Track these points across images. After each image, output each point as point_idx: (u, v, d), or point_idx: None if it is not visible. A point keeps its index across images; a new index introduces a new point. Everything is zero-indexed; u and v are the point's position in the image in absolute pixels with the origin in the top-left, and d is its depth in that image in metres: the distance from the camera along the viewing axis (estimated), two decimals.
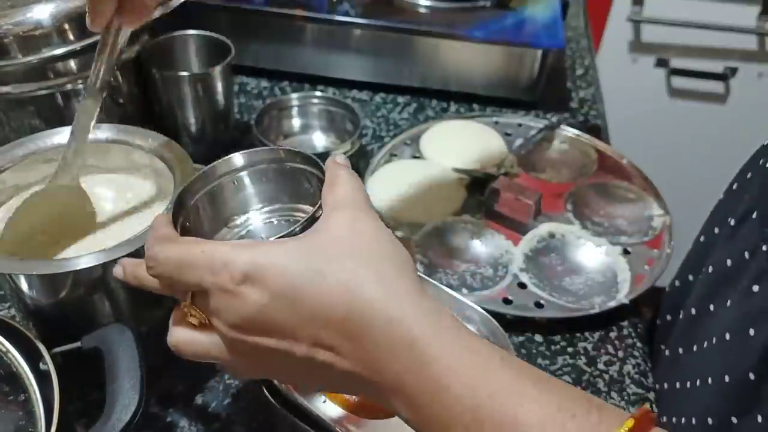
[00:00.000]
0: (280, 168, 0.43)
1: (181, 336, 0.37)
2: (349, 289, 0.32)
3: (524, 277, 0.66)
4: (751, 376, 0.46)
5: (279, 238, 0.36)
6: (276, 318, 0.33)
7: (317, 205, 0.37)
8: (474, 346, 0.32)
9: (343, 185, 0.37)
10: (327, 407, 0.48)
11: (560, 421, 0.29)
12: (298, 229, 0.36)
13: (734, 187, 0.59)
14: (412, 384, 0.31)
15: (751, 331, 0.47)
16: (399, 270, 0.34)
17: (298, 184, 0.43)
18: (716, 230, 0.59)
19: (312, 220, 0.36)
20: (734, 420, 0.48)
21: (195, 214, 0.43)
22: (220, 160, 0.43)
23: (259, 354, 0.35)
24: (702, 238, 0.62)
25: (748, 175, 0.57)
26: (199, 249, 0.35)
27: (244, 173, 0.44)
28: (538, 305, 0.64)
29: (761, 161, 0.55)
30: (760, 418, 0.45)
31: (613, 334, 0.64)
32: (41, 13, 0.61)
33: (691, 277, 0.63)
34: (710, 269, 0.57)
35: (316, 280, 0.32)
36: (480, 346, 0.32)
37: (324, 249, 0.33)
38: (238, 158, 0.44)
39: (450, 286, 0.62)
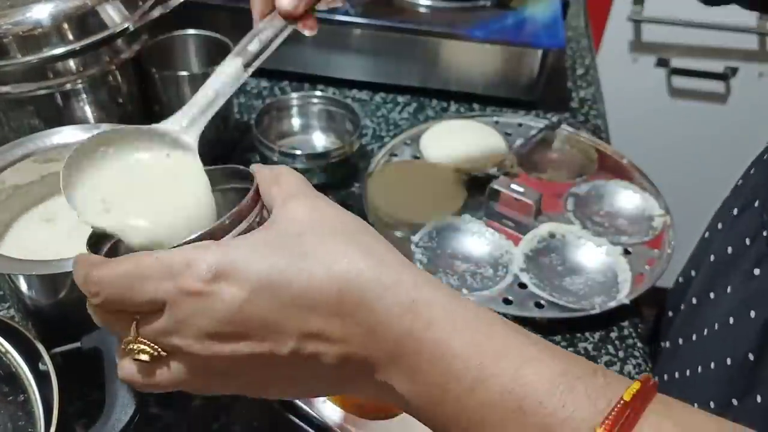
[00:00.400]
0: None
1: (132, 370, 0.33)
2: (336, 266, 0.30)
3: (524, 277, 0.66)
4: (751, 357, 0.46)
5: (203, 234, 0.32)
6: (257, 314, 0.30)
7: (248, 197, 0.34)
8: (473, 308, 0.31)
9: (287, 178, 0.35)
10: (327, 408, 0.48)
11: (567, 382, 0.28)
12: (227, 221, 0.33)
13: (739, 183, 0.59)
14: (412, 348, 0.30)
15: (752, 313, 0.47)
16: (381, 242, 0.32)
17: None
18: (719, 225, 0.59)
19: (240, 213, 0.34)
20: (734, 402, 0.48)
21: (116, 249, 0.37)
22: None
23: (237, 365, 0.32)
24: (706, 234, 0.63)
25: (752, 171, 0.57)
26: (150, 257, 0.31)
27: None
28: (539, 305, 0.64)
29: (765, 156, 0.55)
30: (759, 399, 0.45)
31: (613, 335, 0.64)
32: (41, 13, 0.61)
33: (693, 273, 0.63)
34: (711, 258, 0.57)
35: (296, 264, 0.30)
36: (479, 309, 0.31)
37: (295, 233, 0.32)
38: None
39: (450, 286, 0.62)
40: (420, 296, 0.30)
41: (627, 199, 0.76)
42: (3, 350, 0.46)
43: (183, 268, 0.30)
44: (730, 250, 0.53)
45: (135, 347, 0.32)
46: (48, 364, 0.46)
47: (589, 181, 0.78)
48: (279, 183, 0.35)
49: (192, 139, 0.42)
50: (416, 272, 0.32)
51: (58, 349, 0.49)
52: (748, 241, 0.51)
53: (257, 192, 0.36)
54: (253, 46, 0.45)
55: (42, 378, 0.45)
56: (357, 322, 0.30)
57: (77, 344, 0.48)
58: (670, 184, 0.83)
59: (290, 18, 0.47)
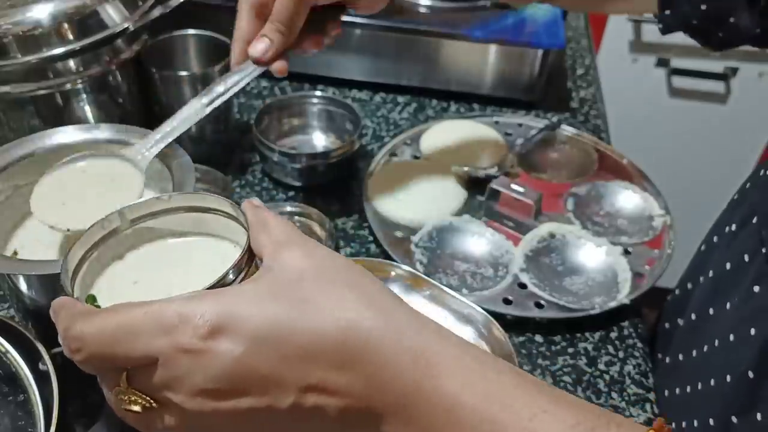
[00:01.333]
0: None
1: (126, 418, 0.32)
2: (339, 314, 0.29)
3: (524, 278, 0.66)
4: (751, 374, 0.46)
5: (210, 288, 0.31)
6: (256, 369, 0.29)
7: (245, 249, 0.34)
8: (481, 356, 0.31)
9: (275, 225, 0.34)
10: None
11: None
12: (231, 275, 0.32)
13: (735, 197, 0.59)
14: (422, 399, 0.29)
15: (752, 331, 0.47)
16: (380, 288, 0.32)
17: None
18: (715, 239, 0.59)
19: (239, 265, 0.33)
20: (734, 420, 0.48)
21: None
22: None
23: (234, 421, 0.30)
24: (702, 248, 0.62)
25: (747, 185, 0.57)
26: (139, 311, 0.29)
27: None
28: (539, 305, 0.64)
29: (762, 172, 0.54)
30: (759, 416, 0.45)
31: (613, 335, 0.64)
32: (41, 13, 0.61)
33: (690, 286, 0.63)
34: (710, 274, 0.56)
35: (297, 313, 0.29)
36: (486, 356, 0.31)
37: (293, 280, 0.30)
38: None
39: (450, 286, 0.62)
40: (428, 345, 0.30)
41: (627, 199, 0.76)
42: (3, 350, 0.46)
43: (175, 324, 0.29)
44: (728, 266, 0.53)
45: (126, 398, 0.30)
46: (48, 364, 0.46)
47: (589, 181, 0.78)
48: (267, 230, 0.34)
49: (146, 161, 0.51)
50: (421, 319, 0.31)
51: (58, 349, 0.49)
52: (746, 258, 0.51)
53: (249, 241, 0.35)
54: (219, 88, 0.53)
55: (42, 378, 0.45)
56: (360, 372, 0.29)
57: None
58: (670, 184, 0.83)
59: (260, 63, 0.54)
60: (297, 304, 0.30)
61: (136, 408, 0.30)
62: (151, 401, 0.30)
